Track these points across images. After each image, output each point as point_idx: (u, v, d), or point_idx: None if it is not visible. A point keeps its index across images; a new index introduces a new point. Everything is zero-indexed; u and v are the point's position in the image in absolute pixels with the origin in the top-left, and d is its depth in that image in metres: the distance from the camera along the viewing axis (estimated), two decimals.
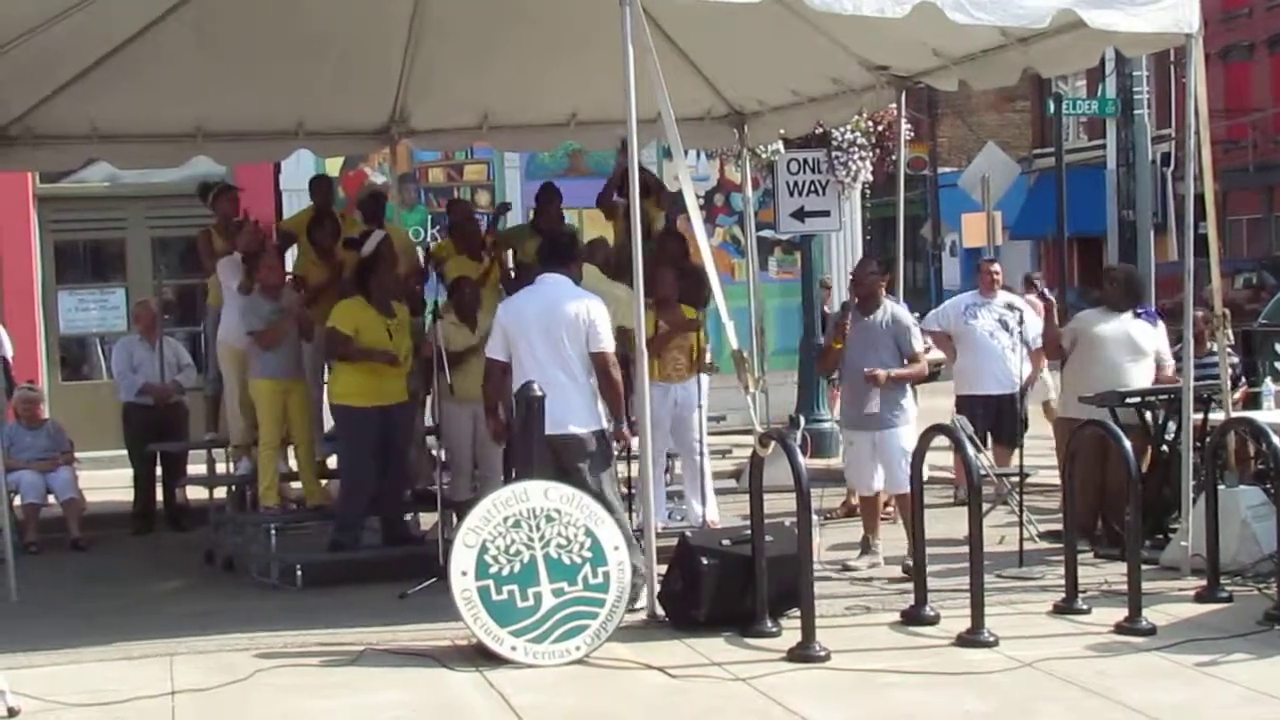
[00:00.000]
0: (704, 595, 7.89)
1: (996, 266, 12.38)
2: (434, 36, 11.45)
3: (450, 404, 10.32)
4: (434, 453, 10.84)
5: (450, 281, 10.98)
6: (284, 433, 10.72)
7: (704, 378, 10.33)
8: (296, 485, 11.11)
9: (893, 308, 9.82)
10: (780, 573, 7.74)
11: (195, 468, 12.47)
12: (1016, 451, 11.15)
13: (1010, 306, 11.93)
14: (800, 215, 14.21)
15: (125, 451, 12.74)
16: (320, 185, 12.34)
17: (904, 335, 9.67)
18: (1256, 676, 6.97)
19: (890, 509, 10.34)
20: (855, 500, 10.48)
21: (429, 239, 15.92)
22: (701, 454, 10.49)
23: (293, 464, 11.05)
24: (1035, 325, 11.54)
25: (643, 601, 8.17)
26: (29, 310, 15.68)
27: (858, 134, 14.44)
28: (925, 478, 8.91)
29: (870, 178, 15.05)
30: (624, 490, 9.38)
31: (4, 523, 9.97)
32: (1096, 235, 34.28)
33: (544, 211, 11.75)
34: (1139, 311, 10.30)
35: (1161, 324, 10.46)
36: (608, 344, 8.54)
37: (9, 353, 13.37)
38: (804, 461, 7.76)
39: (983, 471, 9.65)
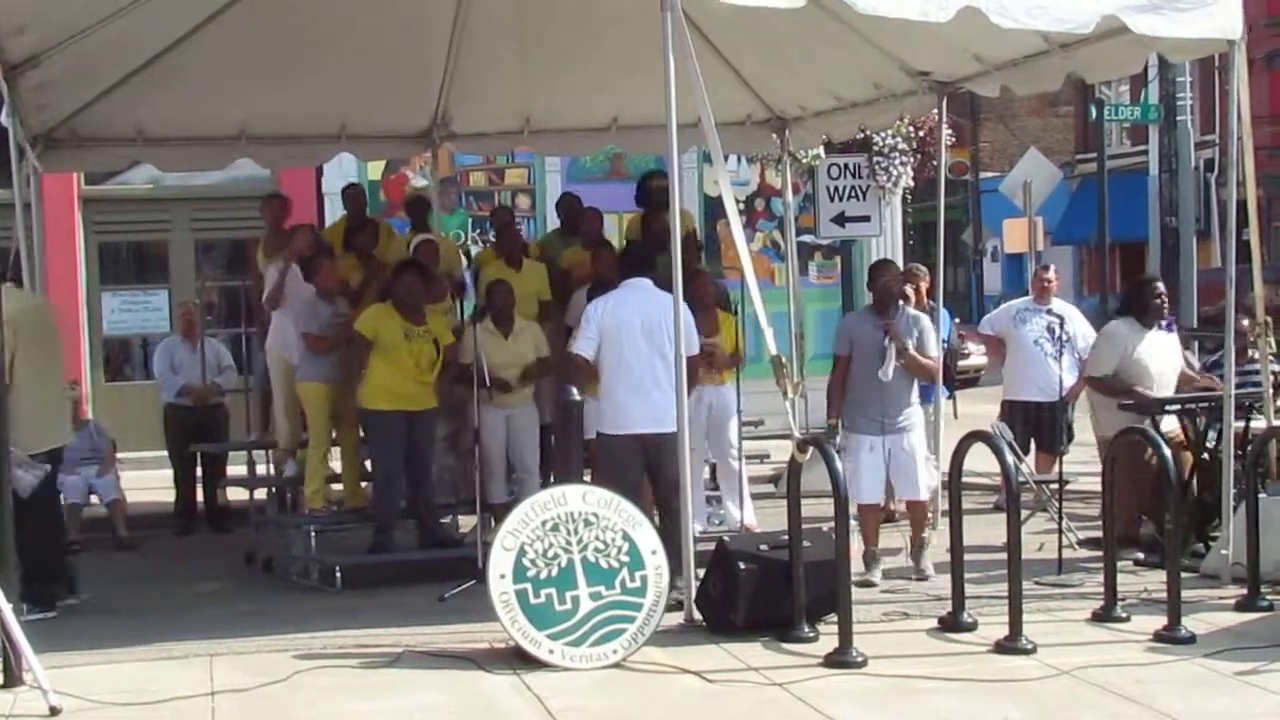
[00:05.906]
0: (741, 600, 7.88)
1: (1051, 274, 12.21)
2: (476, 40, 11.49)
3: (483, 408, 10.33)
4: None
5: (486, 286, 10.99)
6: (331, 435, 10.79)
7: (739, 383, 10.33)
8: (336, 487, 11.17)
9: (911, 310, 9.80)
10: (818, 578, 7.74)
11: (235, 469, 12.54)
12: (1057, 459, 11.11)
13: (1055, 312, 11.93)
14: (841, 220, 14.19)
15: (166, 452, 12.82)
16: (352, 193, 12.41)
17: (923, 336, 9.58)
18: None
19: (893, 509, 10.29)
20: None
21: (469, 243, 15.94)
22: (738, 458, 10.49)
23: (336, 467, 11.10)
24: (1085, 333, 11.54)
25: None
26: (73, 311, 15.80)
27: (899, 139, 14.42)
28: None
29: (911, 183, 15.03)
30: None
31: None
32: (1139, 241, 34.12)
33: (586, 225, 11.77)
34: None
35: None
36: (696, 347, 8.96)
37: None
38: (842, 467, 7.77)
39: (1022, 478, 9.61)
